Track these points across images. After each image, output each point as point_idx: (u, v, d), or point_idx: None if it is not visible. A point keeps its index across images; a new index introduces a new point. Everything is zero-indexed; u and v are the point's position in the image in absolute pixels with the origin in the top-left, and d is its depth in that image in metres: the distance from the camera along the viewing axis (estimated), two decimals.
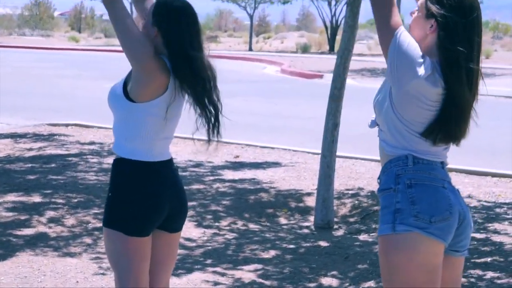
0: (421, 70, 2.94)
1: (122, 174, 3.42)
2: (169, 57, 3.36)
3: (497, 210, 7.69)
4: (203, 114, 3.48)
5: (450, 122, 3.04)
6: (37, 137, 11.59)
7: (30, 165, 9.43)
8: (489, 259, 6.04)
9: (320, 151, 7.31)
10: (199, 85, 3.42)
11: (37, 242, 6.22)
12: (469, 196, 8.22)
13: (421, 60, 2.96)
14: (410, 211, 2.96)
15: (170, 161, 3.51)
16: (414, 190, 2.99)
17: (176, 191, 3.49)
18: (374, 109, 3.18)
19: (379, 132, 3.17)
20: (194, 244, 6.32)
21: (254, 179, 8.84)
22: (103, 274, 5.55)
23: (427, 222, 2.95)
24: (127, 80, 3.41)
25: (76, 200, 7.61)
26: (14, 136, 11.60)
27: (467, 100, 3.07)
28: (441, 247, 3.01)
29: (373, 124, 3.21)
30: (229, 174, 9.06)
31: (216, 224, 6.97)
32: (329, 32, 44.24)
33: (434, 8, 3.00)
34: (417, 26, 3.08)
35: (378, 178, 3.19)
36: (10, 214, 7.05)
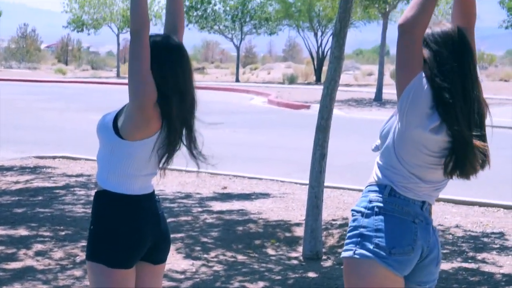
0: (428, 122, 2.98)
1: (104, 207, 3.42)
2: (163, 94, 3.35)
3: (485, 239, 7.70)
4: (192, 145, 3.50)
5: (457, 159, 3.04)
6: (24, 170, 11.55)
7: (17, 198, 9.39)
8: None
9: (307, 182, 7.32)
10: (190, 122, 3.44)
11: (25, 276, 6.17)
12: (457, 226, 8.24)
13: (431, 111, 2.99)
14: (372, 238, 3.00)
15: (152, 194, 3.51)
16: (381, 218, 3.03)
17: (158, 223, 3.49)
18: (380, 137, 3.20)
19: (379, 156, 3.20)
20: (182, 276, 6.29)
21: (242, 210, 8.83)
22: None
23: (386, 252, 2.99)
24: (119, 114, 3.41)
25: (63, 233, 7.58)
26: (0, 169, 11.55)
27: (467, 137, 3.03)
28: (398, 278, 3.05)
29: (376, 149, 3.22)
30: (217, 205, 9.05)
31: (205, 255, 6.95)
32: (315, 62, 44.48)
33: (423, 51, 3.04)
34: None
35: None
36: None
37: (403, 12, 3.06)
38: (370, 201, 3.07)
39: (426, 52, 3.04)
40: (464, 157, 3.03)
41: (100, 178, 3.43)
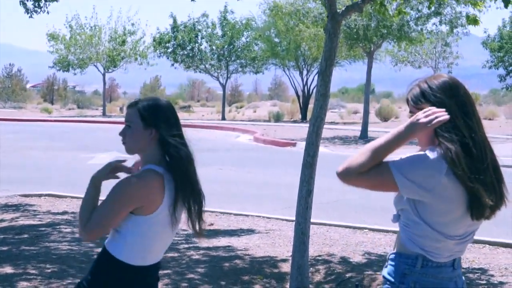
0: (438, 173, 2.94)
1: (108, 270, 3.48)
2: (167, 152, 3.45)
3: (471, 276, 7.72)
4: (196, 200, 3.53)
5: (479, 199, 2.98)
6: (9, 208, 11.51)
7: (2, 236, 9.34)
8: None
9: (294, 218, 7.33)
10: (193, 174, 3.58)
11: None
12: None
13: (430, 169, 2.95)
14: None
15: (159, 263, 3.63)
16: None
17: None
18: (395, 206, 3.16)
19: (400, 224, 3.14)
20: None
21: (229, 246, 8.83)
22: None
23: None
24: None
25: (49, 270, 7.54)
26: None
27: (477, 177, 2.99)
28: None
29: (396, 218, 3.17)
30: (203, 242, 9.04)
31: None
32: (301, 101, 44.71)
33: (424, 104, 3.04)
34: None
35: (389, 255, 3.17)
36: None
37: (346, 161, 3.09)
38: (404, 275, 3.03)
39: (425, 103, 3.04)
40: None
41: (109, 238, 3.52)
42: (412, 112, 3.10)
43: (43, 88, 79.80)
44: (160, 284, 7.03)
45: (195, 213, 3.50)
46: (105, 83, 53.23)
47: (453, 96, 3.04)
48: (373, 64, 28.98)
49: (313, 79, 43.69)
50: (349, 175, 3.03)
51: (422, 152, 2.97)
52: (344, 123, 39.18)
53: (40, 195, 12.79)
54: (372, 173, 2.99)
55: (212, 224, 10.25)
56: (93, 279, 3.45)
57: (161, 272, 7.49)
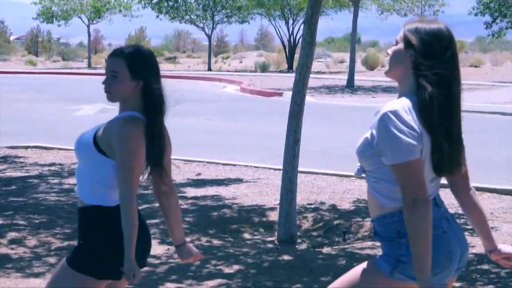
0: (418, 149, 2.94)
1: (95, 223, 3.45)
2: (148, 102, 3.49)
3: (457, 221, 7.79)
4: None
5: (444, 153, 3.02)
6: None
7: None
8: None
9: (281, 167, 7.37)
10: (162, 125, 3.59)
11: (0, 264, 6.17)
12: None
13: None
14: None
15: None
16: None
17: (144, 229, 3.53)
18: (359, 158, 3.12)
19: (370, 181, 3.12)
20: (158, 261, 6.32)
21: (216, 195, 8.87)
22: None
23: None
24: (98, 135, 3.49)
25: (37, 221, 7.58)
26: None
27: (451, 129, 3.04)
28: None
29: (360, 172, 3.16)
30: (191, 192, 9.08)
31: None
32: (287, 50, 44.53)
33: (412, 37, 3.02)
34: (396, 59, 3.07)
35: (372, 224, 3.17)
36: None
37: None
38: (399, 232, 3.02)
39: (412, 37, 3.02)
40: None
41: (86, 195, 3.47)
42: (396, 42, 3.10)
43: (27, 40, 79.06)
44: None
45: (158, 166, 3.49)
46: (89, 34, 52.81)
47: (443, 45, 3.02)
48: (359, 13, 28.84)
49: (299, 29, 43.47)
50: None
51: (396, 134, 2.92)
52: (331, 73, 39.11)
53: (27, 147, 12.77)
54: (411, 180, 2.95)
55: (199, 174, 10.29)
56: (87, 238, 3.46)
57: (149, 221, 7.53)
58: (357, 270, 3.17)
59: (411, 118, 2.93)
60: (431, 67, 2.97)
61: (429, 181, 3.04)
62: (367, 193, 3.16)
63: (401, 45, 3.07)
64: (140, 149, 3.38)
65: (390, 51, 3.12)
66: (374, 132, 3.00)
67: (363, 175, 3.15)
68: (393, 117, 2.92)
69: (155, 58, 3.59)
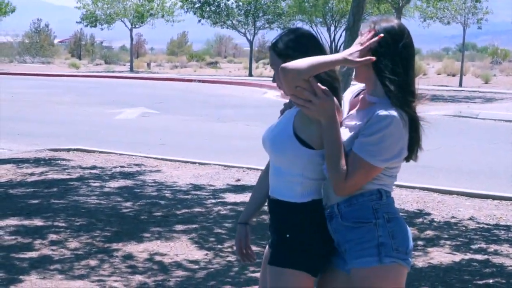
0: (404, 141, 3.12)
1: (303, 218, 3.30)
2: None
3: (498, 232, 7.71)
4: None
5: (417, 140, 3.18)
6: (38, 162, 11.63)
7: (32, 189, 9.47)
8: (491, 281, 6.06)
9: None
10: None
11: (41, 266, 6.23)
12: (470, 219, 8.25)
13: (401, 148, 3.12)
14: (391, 244, 3.12)
15: None
16: (392, 224, 3.15)
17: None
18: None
19: None
20: (196, 266, 6.34)
21: None
22: None
23: (404, 253, 3.15)
24: (297, 127, 3.27)
25: (78, 224, 7.65)
26: (16, 161, 11.64)
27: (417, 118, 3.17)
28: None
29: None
30: (230, 197, 9.09)
31: (218, 246, 6.99)
32: None
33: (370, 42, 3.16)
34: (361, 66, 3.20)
35: (334, 207, 3.20)
36: (13, 238, 7.08)
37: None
38: (375, 210, 3.14)
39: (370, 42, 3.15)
40: None
41: (291, 194, 3.30)
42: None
43: (70, 44, 79.99)
44: (187, 238, 7.14)
45: None
46: (132, 38, 53.25)
47: (397, 41, 3.15)
48: (401, 20, 28.69)
49: (340, 35, 43.39)
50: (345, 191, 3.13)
51: (387, 136, 3.06)
52: None
53: (68, 150, 12.90)
54: (364, 181, 3.12)
55: (239, 180, 10.30)
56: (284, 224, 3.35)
57: (188, 226, 7.60)
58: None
59: None
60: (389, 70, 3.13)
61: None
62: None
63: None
64: None
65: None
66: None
67: None
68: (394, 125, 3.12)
69: (311, 42, 3.41)
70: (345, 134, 3.15)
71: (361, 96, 3.28)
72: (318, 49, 3.36)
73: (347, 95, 3.35)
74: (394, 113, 3.06)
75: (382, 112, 3.05)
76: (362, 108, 3.20)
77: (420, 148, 3.18)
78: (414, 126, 3.12)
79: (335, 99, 3.18)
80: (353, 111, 3.24)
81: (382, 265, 3.10)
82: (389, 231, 3.12)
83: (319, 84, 3.14)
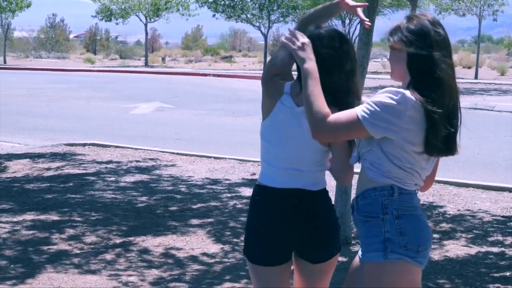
0: (402, 122, 3.05)
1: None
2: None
3: None
4: None
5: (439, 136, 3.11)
6: (54, 157, 11.68)
7: (48, 184, 9.51)
8: (508, 273, 6.04)
9: None
10: None
11: (57, 260, 6.26)
12: (486, 211, 8.23)
13: (397, 117, 3.05)
14: (399, 241, 3.10)
15: None
16: (402, 221, 3.12)
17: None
18: (360, 148, 3.26)
19: (364, 162, 3.23)
20: (212, 260, 6.35)
21: None
22: None
23: (415, 251, 3.11)
24: None
25: (94, 218, 7.68)
26: (32, 156, 11.70)
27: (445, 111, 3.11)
28: (420, 270, 3.19)
29: (356, 159, 3.30)
30: (246, 191, 9.10)
31: (234, 240, 7.00)
32: None
33: (398, 40, 3.16)
34: (395, 60, 3.20)
35: (354, 200, 3.26)
36: (30, 232, 7.12)
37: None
38: (384, 206, 3.14)
39: (399, 40, 3.16)
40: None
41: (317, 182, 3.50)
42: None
43: (86, 39, 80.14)
44: (203, 232, 7.16)
45: None
46: (147, 33, 53.30)
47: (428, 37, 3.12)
48: (416, 12, 28.54)
49: (355, 29, 43.24)
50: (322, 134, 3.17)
51: (388, 99, 3.05)
52: (387, 73, 38.80)
53: (84, 144, 12.95)
54: (344, 132, 3.12)
55: (254, 174, 10.30)
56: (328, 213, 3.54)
57: (204, 220, 7.61)
58: (353, 279, 3.33)
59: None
60: (426, 62, 3.09)
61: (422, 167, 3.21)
62: (360, 172, 3.26)
63: (394, 50, 3.20)
64: None
65: (388, 58, 3.29)
66: None
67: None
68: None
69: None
70: None
71: None
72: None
73: None
74: (407, 93, 3.04)
75: (396, 88, 3.08)
76: None
77: (438, 142, 3.10)
78: (430, 119, 3.07)
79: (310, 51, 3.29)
80: None
81: (387, 261, 3.09)
82: (397, 227, 3.10)
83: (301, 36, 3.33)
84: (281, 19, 48.40)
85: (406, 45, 3.12)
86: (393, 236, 3.09)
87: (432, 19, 3.17)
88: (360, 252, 3.33)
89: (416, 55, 3.10)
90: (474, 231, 7.34)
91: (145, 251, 6.57)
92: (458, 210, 8.28)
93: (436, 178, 9.51)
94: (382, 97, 3.06)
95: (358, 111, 3.08)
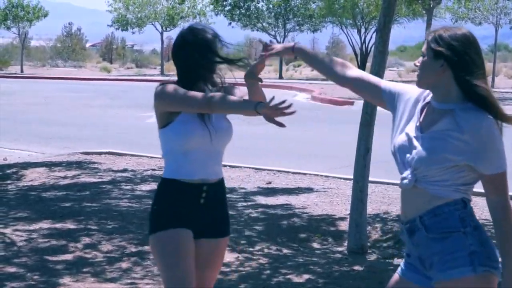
0: None
1: None
2: None
3: None
4: None
5: None
6: (71, 165, 11.72)
7: (64, 192, 9.55)
8: None
9: (352, 176, 7.33)
10: None
11: (74, 268, 6.28)
12: None
13: None
14: (483, 253, 3.02)
15: None
16: (478, 232, 3.06)
17: None
18: (428, 165, 3.10)
19: (423, 181, 3.12)
20: (228, 269, 6.35)
21: (286, 204, 8.87)
22: None
23: (495, 261, 3.05)
24: None
25: (110, 227, 7.70)
26: (48, 165, 11.74)
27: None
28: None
29: (412, 182, 3.16)
30: (261, 200, 9.10)
31: (250, 249, 7.00)
32: (359, 59, 44.32)
33: (440, 48, 3.07)
34: (426, 70, 3.12)
35: (417, 221, 3.13)
36: (46, 240, 7.15)
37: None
38: (462, 219, 3.06)
39: (440, 48, 3.08)
40: None
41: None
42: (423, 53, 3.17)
43: (102, 47, 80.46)
44: None
45: None
46: (163, 42, 53.45)
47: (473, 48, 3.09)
48: (432, 21, 28.52)
49: (371, 37, 43.22)
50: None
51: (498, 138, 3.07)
52: (403, 82, 38.80)
53: (100, 153, 12.99)
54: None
55: (270, 182, 10.31)
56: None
57: None
58: None
59: None
60: (471, 72, 3.04)
61: None
62: (409, 194, 3.16)
63: (428, 57, 3.12)
64: None
65: (418, 63, 3.18)
66: (467, 137, 3.01)
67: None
68: (495, 125, 3.05)
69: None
70: (427, 140, 3.12)
71: (422, 103, 3.23)
72: None
73: (419, 104, 3.25)
74: (488, 116, 3.02)
75: (481, 119, 3.02)
76: (435, 115, 3.13)
77: None
78: None
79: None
80: (421, 118, 3.19)
81: (476, 275, 3.00)
82: (478, 239, 3.03)
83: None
84: (297, 27, 48.49)
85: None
86: (477, 248, 3.01)
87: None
88: (403, 270, 3.34)
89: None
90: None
91: None
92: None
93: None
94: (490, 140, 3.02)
95: (505, 167, 3.07)
